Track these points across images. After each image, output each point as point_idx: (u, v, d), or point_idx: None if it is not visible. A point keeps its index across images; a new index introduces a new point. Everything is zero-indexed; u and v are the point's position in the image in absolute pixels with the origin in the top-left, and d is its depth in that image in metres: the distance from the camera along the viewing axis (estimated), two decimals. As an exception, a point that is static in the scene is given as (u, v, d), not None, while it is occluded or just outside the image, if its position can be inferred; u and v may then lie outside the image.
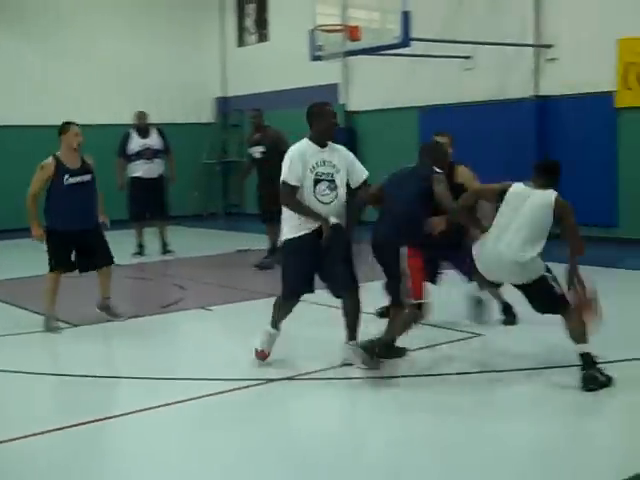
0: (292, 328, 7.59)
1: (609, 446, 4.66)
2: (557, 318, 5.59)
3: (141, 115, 12.11)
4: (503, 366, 6.03)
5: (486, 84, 13.20)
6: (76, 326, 7.68)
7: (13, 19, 15.93)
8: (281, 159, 6.05)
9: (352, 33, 11.90)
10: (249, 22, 17.99)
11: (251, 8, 17.85)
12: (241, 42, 18.17)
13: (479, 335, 6.85)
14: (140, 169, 11.74)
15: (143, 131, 11.96)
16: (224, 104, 18.37)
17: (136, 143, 11.83)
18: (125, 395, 5.73)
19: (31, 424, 4.95)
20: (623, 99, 11.50)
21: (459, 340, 6.76)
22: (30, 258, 10.40)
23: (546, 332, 6.68)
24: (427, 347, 6.53)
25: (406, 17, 10.86)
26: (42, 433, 4.78)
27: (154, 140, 11.94)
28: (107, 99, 16.94)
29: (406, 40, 11.06)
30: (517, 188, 5.69)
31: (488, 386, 5.71)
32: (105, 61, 16.91)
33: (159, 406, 5.26)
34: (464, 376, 5.88)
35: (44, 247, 7.53)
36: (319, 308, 8.18)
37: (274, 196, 6.60)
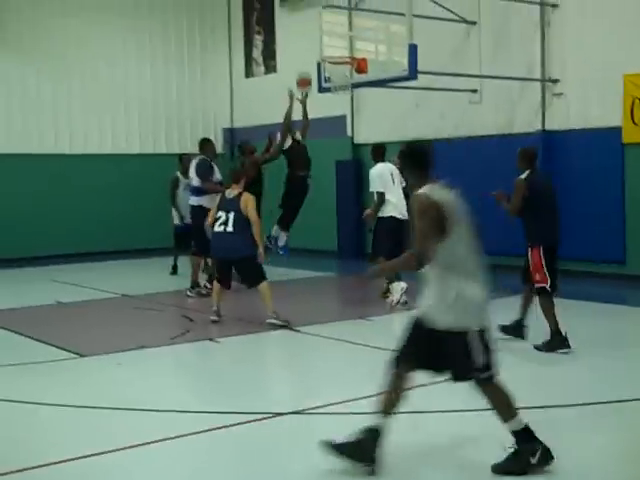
0: (300, 361, 7.62)
1: None
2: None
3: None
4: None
5: (493, 118, 13.28)
6: (83, 356, 7.68)
7: (17, 46, 16.05)
8: None
9: (359, 65, 11.97)
10: (257, 53, 18.14)
11: (259, 39, 18.02)
12: (249, 73, 18.31)
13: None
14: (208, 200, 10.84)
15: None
16: (231, 135, 18.47)
17: (217, 174, 11.42)
18: (132, 427, 5.68)
19: (50, 453, 4.96)
20: (630, 134, 11.54)
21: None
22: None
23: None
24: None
25: (413, 50, 10.92)
26: (59, 462, 4.79)
27: None
28: (117, 129, 17.16)
29: (413, 73, 11.11)
30: None
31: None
32: (115, 92, 17.11)
33: (166, 439, 5.24)
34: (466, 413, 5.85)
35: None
36: (329, 342, 8.21)
37: None
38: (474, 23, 13.43)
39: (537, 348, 7.33)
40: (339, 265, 14.79)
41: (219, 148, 18.39)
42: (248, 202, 8.94)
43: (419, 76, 11.30)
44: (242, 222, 8.84)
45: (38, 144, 16.06)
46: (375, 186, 10.05)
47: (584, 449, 5.01)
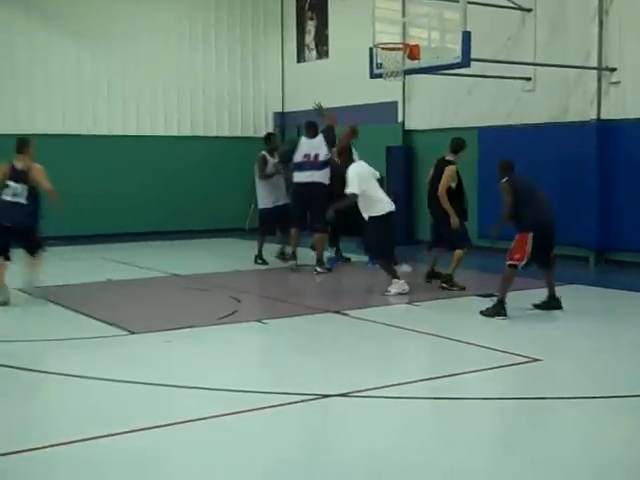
0: (347, 344, 7.64)
1: None
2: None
3: None
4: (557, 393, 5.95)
5: (547, 106, 13.11)
6: (133, 333, 7.80)
7: (82, 34, 16.33)
8: None
9: (412, 52, 11.89)
10: (309, 39, 18.14)
11: (311, 25, 18.01)
12: (301, 58, 18.32)
13: (536, 360, 6.77)
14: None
15: None
16: (282, 119, 18.51)
17: None
18: (178, 405, 5.76)
19: (92, 427, 5.05)
20: (688, 124, 11.31)
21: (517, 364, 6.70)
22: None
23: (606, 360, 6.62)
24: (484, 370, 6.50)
25: (467, 37, 10.82)
26: (109, 435, 4.89)
27: None
28: (169, 112, 17.33)
29: (466, 60, 11.01)
30: None
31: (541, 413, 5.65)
32: (167, 74, 17.26)
33: (211, 417, 5.29)
34: (519, 402, 5.83)
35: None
36: (377, 326, 8.21)
37: None
38: (529, 10, 13.24)
39: (482, 313, 8.37)
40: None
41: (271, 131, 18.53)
42: (39, 173, 9.13)
43: (472, 63, 11.21)
44: (33, 193, 9.09)
45: (93, 125, 16.28)
46: (354, 186, 9.60)
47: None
